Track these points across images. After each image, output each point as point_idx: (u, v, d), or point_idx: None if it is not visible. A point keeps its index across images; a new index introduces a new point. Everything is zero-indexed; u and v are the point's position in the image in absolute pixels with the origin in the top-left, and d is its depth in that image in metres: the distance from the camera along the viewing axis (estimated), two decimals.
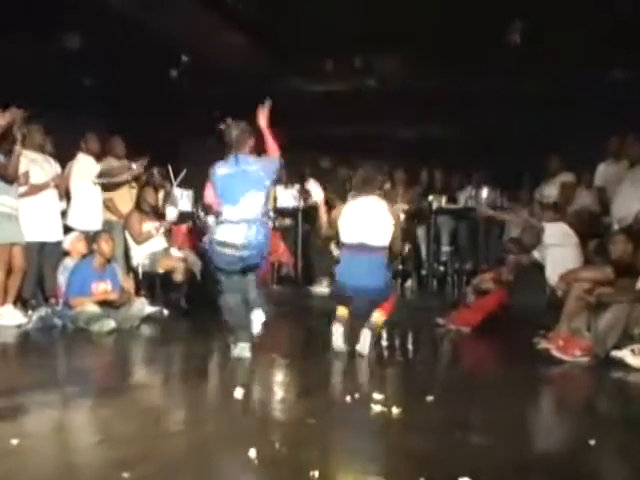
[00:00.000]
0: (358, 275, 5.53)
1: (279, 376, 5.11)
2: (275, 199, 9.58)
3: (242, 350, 5.30)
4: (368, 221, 5.62)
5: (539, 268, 6.92)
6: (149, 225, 7.87)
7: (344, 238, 5.68)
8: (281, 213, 10.06)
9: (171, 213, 8.24)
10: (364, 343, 5.47)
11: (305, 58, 10.32)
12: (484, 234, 9.43)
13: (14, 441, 3.15)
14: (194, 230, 9.06)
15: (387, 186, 10.89)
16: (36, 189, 7.21)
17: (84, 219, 7.75)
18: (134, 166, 8.12)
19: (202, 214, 9.35)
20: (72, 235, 7.51)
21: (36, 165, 7.25)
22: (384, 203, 5.72)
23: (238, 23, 9.07)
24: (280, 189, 9.56)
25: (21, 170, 6.97)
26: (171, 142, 11.27)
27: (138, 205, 7.94)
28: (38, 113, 7.05)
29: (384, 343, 6.07)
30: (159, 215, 8.13)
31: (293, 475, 2.88)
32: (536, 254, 7.00)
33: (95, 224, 7.78)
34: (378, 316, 5.58)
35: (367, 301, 5.63)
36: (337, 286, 5.76)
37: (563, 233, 6.83)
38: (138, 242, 7.80)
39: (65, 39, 8.62)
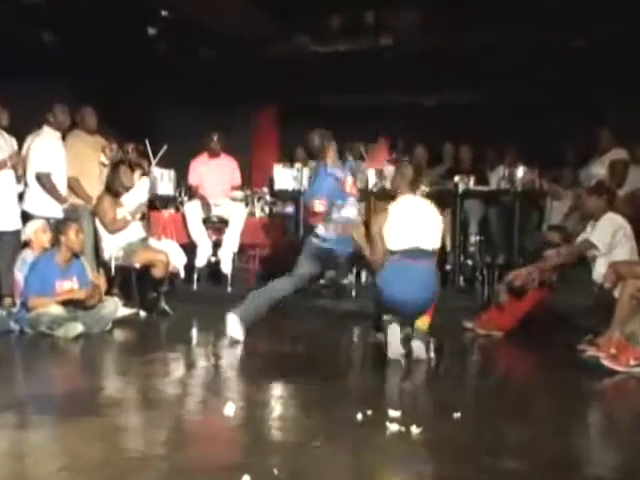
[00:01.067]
0: (411, 286, 5.74)
1: (277, 389, 5.08)
2: (272, 180, 9.58)
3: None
4: (421, 223, 5.89)
5: (585, 261, 6.87)
6: (124, 211, 7.84)
7: (393, 244, 5.83)
8: (278, 197, 10.07)
9: (137, 198, 8.21)
10: (420, 350, 5.78)
11: (309, 15, 10.30)
12: (520, 221, 9.36)
13: None
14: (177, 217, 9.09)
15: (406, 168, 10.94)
16: None
17: (45, 204, 7.70)
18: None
19: (185, 197, 9.44)
20: (34, 224, 7.44)
21: None
22: (429, 202, 6.12)
23: None
24: (278, 168, 9.52)
25: None
26: (150, 114, 11.24)
27: (110, 187, 7.91)
28: None
29: (401, 350, 6.05)
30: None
31: None
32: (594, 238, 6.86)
33: (57, 210, 7.74)
34: (423, 323, 5.87)
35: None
36: (383, 299, 5.88)
37: (615, 226, 6.74)
38: (111, 231, 7.77)
39: None
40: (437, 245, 5.94)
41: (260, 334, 6.42)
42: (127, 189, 7.97)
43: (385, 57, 10.65)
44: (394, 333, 5.75)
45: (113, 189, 7.87)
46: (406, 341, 5.82)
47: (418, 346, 5.78)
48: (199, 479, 3.18)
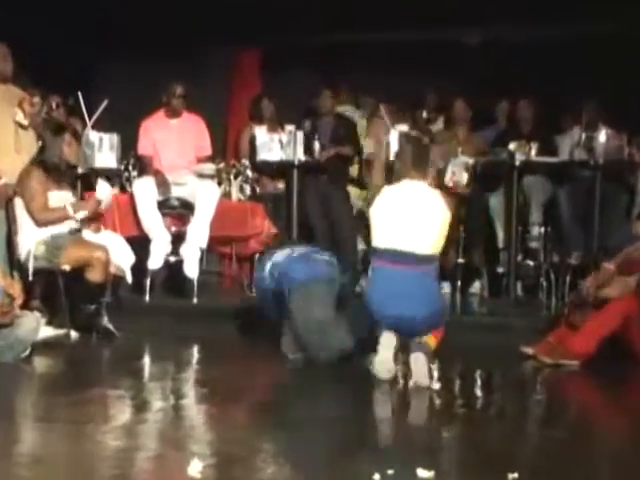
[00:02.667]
0: (401, 299, 5.99)
1: (260, 439, 4.99)
2: (254, 148, 9.57)
3: None
4: (415, 218, 6.09)
5: None
6: (62, 196, 7.79)
7: (378, 242, 6.13)
8: (261, 172, 10.04)
9: (102, 189, 8.17)
10: (421, 371, 5.90)
11: None
12: (602, 205, 9.33)
13: None
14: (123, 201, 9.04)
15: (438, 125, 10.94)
16: None
17: None
18: None
19: (134, 172, 9.40)
20: None
21: None
22: (437, 192, 6.29)
23: None
24: (261, 132, 9.51)
25: None
26: (84, 60, 11.20)
27: (44, 160, 7.84)
28: None
29: (436, 385, 6.05)
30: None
31: None
32: None
33: None
34: (429, 337, 6.06)
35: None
36: (371, 315, 6.19)
37: None
38: (39, 222, 7.71)
39: None
40: (427, 250, 6.14)
41: (238, 365, 6.39)
42: (70, 167, 7.94)
43: None
44: (386, 342, 6.06)
45: (44, 163, 7.81)
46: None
47: (417, 359, 5.98)
48: None
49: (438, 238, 6.16)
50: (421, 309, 6.02)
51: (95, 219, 8.25)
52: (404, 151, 6.54)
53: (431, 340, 6.05)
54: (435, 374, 6.04)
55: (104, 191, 8.20)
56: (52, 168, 7.76)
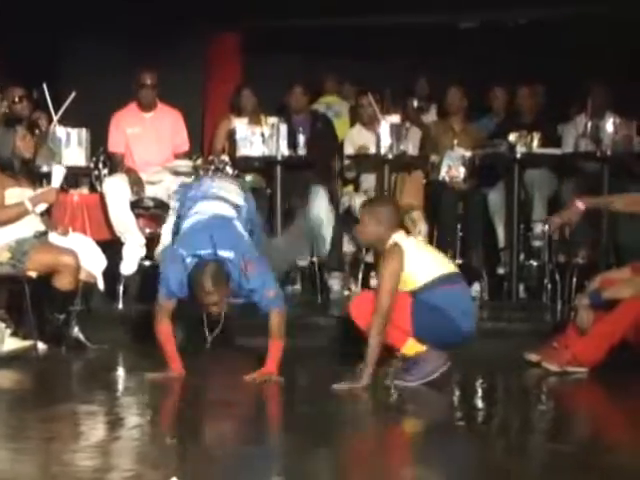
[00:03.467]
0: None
1: (246, 457, 5.01)
2: (234, 142, 9.57)
3: None
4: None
5: None
6: (22, 193, 7.78)
7: (431, 274, 6.77)
8: (244, 169, 10.02)
9: (57, 174, 8.14)
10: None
11: None
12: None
13: None
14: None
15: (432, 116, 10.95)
16: None
17: None
18: None
19: (104, 171, 9.37)
20: None
21: None
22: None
23: None
24: (241, 125, 9.49)
25: None
26: (49, 44, 11.18)
27: None
28: None
29: (435, 397, 6.06)
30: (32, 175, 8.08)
31: None
32: None
33: None
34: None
35: None
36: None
37: None
38: None
39: None
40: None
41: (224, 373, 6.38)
42: (25, 162, 7.93)
43: None
44: None
45: (2, 160, 7.81)
46: None
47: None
48: None
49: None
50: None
51: (60, 217, 8.25)
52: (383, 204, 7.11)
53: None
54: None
55: (59, 176, 8.12)
56: (6, 164, 7.75)
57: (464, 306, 6.78)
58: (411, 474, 4.65)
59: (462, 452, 5.30)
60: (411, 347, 6.64)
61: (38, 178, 8.25)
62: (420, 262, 6.72)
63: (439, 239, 9.56)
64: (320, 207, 9.43)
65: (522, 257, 9.67)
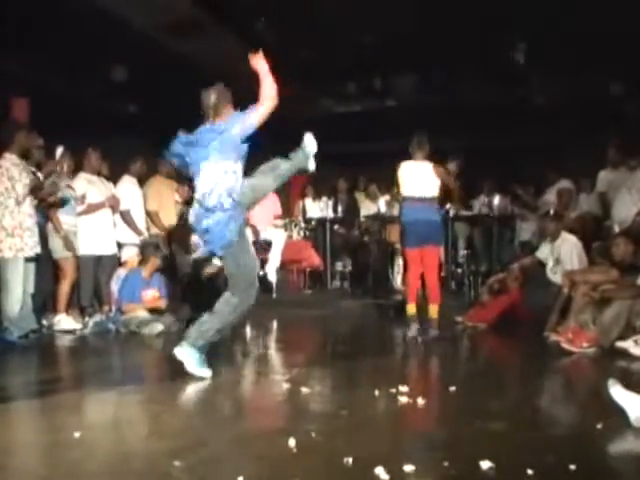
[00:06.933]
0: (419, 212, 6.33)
1: (318, 370, 4.85)
2: (304, 210, 9.73)
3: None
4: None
5: (544, 267, 6.91)
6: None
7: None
8: (309, 222, 10.13)
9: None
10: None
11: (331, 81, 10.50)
12: (497, 238, 9.35)
13: (77, 434, 3.21)
14: None
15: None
16: (93, 208, 7.28)
17: (130, 234, 7.73)
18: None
19: None
20: (130, 250, 7.55)
21: (93, 186, 7.32)
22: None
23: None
24: (308, 201, 9.66)
25: (80, 191, 7.10)
26: None
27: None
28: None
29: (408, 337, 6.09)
30: None
31: (328, 462, 2.88)
32: (540, 254, 6.98)
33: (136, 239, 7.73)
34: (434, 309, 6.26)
35: None
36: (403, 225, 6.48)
37: (573, 245, 6.78)
38: None
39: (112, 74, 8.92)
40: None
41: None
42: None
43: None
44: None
45: None
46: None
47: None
48: (256, 441, 3.20)
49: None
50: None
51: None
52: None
53: (435, 308, 6.22)
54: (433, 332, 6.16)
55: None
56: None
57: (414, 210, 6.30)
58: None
59: (423, 366, 5.30)
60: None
61: None
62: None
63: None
64: None
65: (453, 267, 9.65)
